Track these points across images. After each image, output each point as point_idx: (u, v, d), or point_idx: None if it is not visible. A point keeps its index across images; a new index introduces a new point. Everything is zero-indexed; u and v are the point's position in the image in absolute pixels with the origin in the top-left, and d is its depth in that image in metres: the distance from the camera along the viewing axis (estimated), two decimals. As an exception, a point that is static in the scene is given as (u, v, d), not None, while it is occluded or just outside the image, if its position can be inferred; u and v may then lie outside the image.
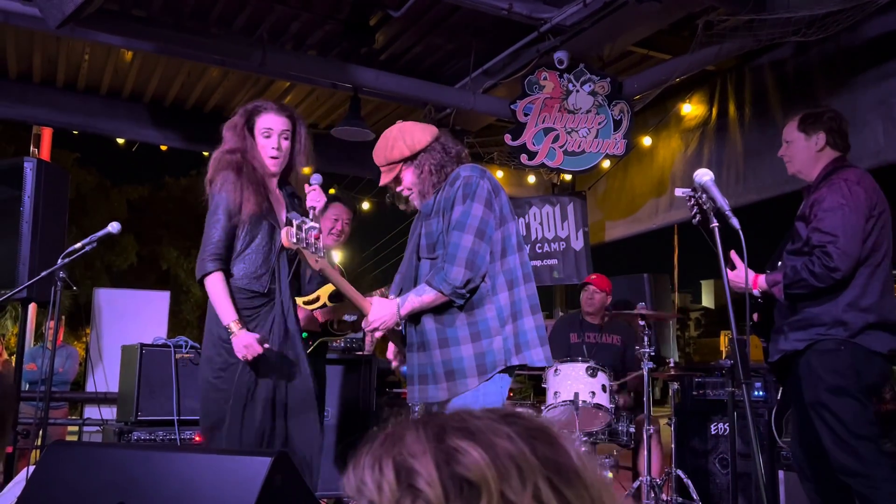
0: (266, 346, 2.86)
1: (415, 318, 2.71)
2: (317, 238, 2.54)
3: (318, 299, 3.95)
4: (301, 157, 3.18)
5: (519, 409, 0.72)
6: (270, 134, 3.04)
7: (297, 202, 3.16)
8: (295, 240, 2.47)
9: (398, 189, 2.84)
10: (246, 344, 2.81)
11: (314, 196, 3.01)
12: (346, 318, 4.10)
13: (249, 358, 2.82)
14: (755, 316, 3.20)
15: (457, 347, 2.64)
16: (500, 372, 2.65)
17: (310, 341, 3.98)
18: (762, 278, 2.99)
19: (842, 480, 2.88)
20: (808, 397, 2.94)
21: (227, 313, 2.86)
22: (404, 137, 2.79)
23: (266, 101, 3.15)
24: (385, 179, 2.85)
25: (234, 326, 2.84)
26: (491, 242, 2.66)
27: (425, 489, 0.63)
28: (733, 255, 2.92)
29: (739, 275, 2.92)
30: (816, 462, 3.01)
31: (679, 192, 2.59)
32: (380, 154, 2.82)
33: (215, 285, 2.89)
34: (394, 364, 3.00)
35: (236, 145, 3.02)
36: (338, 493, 4.52)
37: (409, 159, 2.77)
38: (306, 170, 3.26)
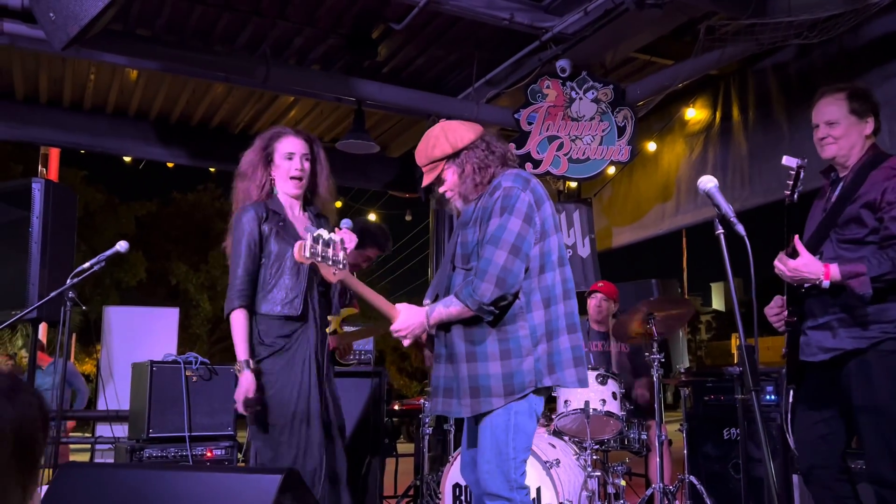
0: (249, 407, 2.89)
1: (444, 329, 2.62)
2: (336, 250, 2.47)
3: (328, 324, 3.92)
4: (322, 178, 3.21)
5: None
6: (293, 156, 3.09)
7: (323, 222, 3.18)
8: (308, 254, 2.40)
9: (440, 190, 2.73)
10: (246, 389, 2.86)
11: (348, 239, 2.96)
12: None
13: (240, 404, 2.87)
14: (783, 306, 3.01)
15: (484, 364, 2.55)
16: (532, 392, 2.54)
17: None
18: (835, 268, 2.68)
19: (849, 489, 2.81)
20: (862, 400, 2.73)
21: (241, 351, 2.92)
22: (447, 135, 2.68)
23: (283, 127, 3.21)
24: (427, 180, 2.74)
25: (243, 365, 2.89)
26: (527, 259, 2.55)
27: None
28: (796, 241, 2.72)
29: (806, 264, 2.70)
30: (837, 466, 2.88)
31: (787, 160, 2.52)
32: (421, 153, 2.72)
33: (237, 322, 2.95)
34: (427, 363, 2.96)
35: (258, 176, 3.11)
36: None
37: (452, 157, 2.67)
38: (338, 203, 3.30)
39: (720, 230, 2.37)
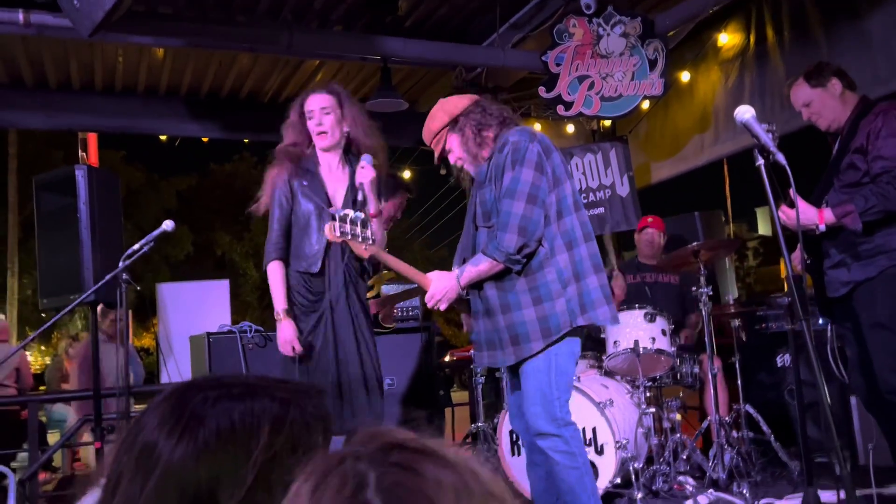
0: (299, 350, 3.03)
1: (478, 285, 2.77)
2: (363, 225, 2.59)
3: (371, 287, 3.89)
4: (352, 128, 3.26)
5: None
6: (312, 115, 3.21)
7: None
8: (339, 234, 2.55)
9: (451, 161, 2.89)
10: (286, 340, 3.01)
11: (363, 174, 3.11)
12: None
13: (287, 353, 3.02)
14: (801, 254, 3.17)
15: (519, 312, 2.68)
16: (567, 333, 2.68)
17: None
18: (828, 212, 3.00)
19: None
20: (868, 319, 3.02)
21: (279, 301, 3.09)
22: (443, 107, 2.87)
23: (311, 88, 3.34)
24: (437, 154, 2.91)
25: (281, 315, 3.05)
26: (545, 206, 2.67)
27: None
28: (792, 192, 2.92)
29: (803, 211, 2.94)
30: (876, 385, 3.07)
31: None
32: (425, 131, 2.90)
33: (272, 274, 3.13)
34: (466, 329, 3.13)
35: (295, 140, 3.24)
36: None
37: (451, 125, 2.83)
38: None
39: (760, 161, 2.39)
